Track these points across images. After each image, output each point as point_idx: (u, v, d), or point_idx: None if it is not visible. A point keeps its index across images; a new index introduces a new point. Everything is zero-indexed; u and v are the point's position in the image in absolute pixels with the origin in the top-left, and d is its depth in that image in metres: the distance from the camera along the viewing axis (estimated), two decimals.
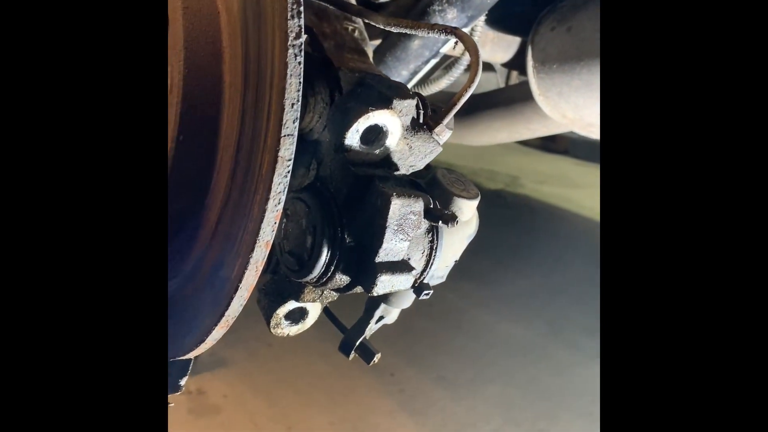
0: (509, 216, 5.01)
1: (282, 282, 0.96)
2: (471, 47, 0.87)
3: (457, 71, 1.89)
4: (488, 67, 2.52)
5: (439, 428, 2.30)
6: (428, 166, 0.95)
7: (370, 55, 1.21)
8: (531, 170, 6.52)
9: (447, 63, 1.97)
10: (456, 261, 0.99)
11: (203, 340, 0.83)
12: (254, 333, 2.59)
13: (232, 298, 0.76)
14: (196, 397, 2.22)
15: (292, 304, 0.95)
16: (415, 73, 1.61)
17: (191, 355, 0.90)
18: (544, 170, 6.63)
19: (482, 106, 2.30)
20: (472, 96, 0.91)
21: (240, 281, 0.75)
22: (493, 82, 2.53)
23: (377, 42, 1.62)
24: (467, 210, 0.94)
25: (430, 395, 2.49)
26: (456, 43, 0.97)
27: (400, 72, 1.58)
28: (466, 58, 1.86)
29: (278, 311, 0.95)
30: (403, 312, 1.09)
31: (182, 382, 0.98)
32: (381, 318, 1.05)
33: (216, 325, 0.79)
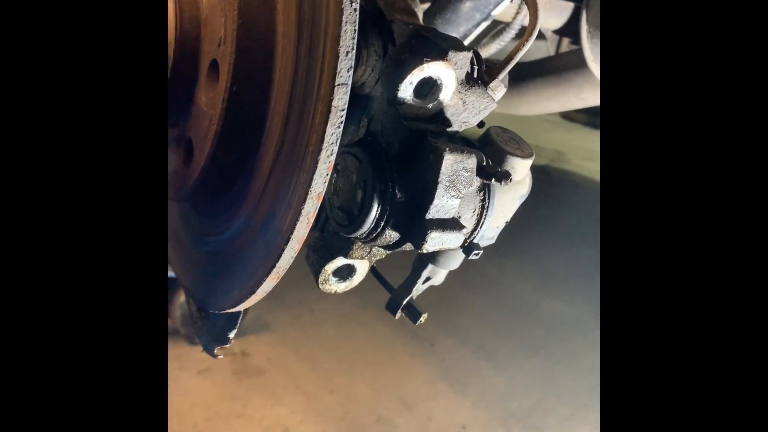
0: (554, 192, 4.92)
1: (331, 238, 0.96)
2: None
3: (508, 36, 1.84)
4: (539, 34, 2.46)
5: (479, 398, 2.30)
6: (481, 124, 0.93)
7: (420, 17, 1.18)
8: (577, 146, 6.37)
9: (496, 30, 1.92)
10: (507, 222, 0.97)
11: (254, 292, 0.83)
12: (297, 298, 2.63)
13: (283, 250, 0.77)
14: (240, 359, 2.27)
15: (340, 261, 0.95)
16: (465, 37, 1.57)
17: (241, 308, 0.91)
18: (590, 147, 6.47)
19: (532, 74, 2.24)
20: (521, 64, 0.89)
21: (291, 233, 0.75)
22: (543, 50, 2.46)
23: (426, 6, 1.59)
24: (521, 169, 0.92)
25: (470, 366, 2.49)
26: None
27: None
28: (517, 23, 1.81)
29: (327, 267, 0.95)
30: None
31: (231, 335, 0.99)
32: (428, 279, 1.04)
33: (267, 276, 0.80)
